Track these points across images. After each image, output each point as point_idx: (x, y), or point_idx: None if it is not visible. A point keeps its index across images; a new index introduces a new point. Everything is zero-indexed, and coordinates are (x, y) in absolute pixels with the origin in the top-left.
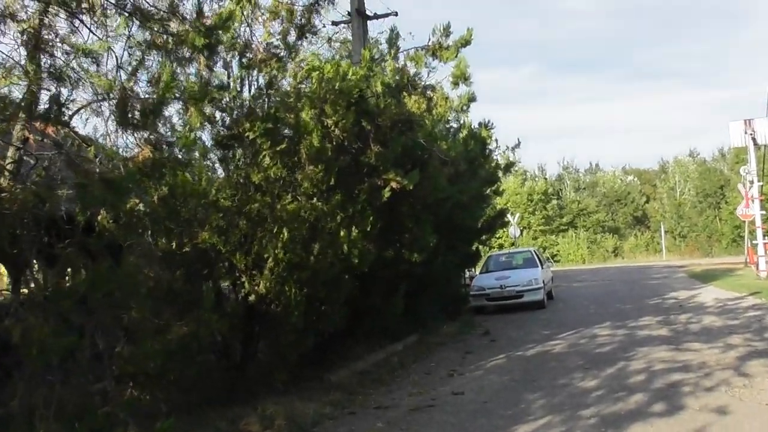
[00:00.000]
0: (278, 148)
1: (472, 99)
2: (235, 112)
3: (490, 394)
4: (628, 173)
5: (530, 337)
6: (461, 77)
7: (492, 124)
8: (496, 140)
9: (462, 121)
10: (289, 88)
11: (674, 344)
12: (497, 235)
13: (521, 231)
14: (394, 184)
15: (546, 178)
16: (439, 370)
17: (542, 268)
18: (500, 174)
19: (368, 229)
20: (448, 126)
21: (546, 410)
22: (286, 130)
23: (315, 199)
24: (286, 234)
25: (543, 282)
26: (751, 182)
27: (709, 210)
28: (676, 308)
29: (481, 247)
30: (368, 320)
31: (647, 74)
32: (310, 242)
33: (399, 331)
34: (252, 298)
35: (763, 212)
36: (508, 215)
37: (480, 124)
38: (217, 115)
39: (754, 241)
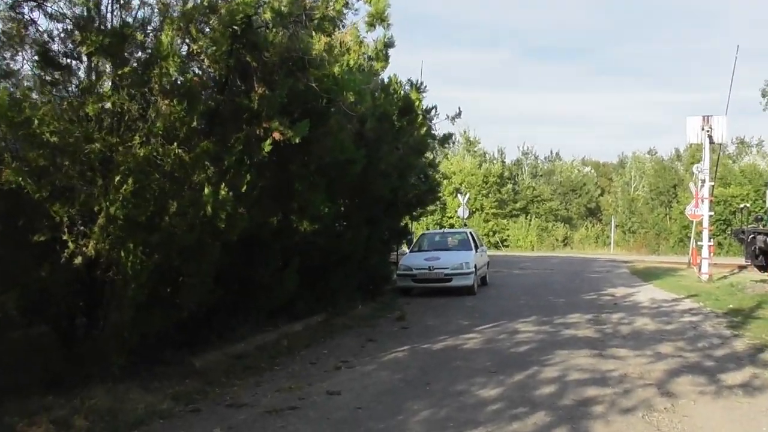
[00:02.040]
0: (120, 72)
1: (389, 45)
2: (68, 22)
3: (370, 397)
4: (586, 164)
5: (446, 327)
6: (378, 17)
7: (424, 86)
8: (435, 108)
9: (380, 74)
10: (155, 3)
11: (598, 348)
12: (448, 215)
13: (472, 212)
14: (276, 135)
15: (504, 162)
16: (329, 360)
17: (476, 251)
18: (435, 145)
19: (243, 188)
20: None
21: (424, 426)
22: (138, 53)
23: (175, 144)
24: (130, 184)
25: (475, 266)
26: (703, 181)
27: (660, 208)
28: (610, 306)
29: (414, 223)
30: (257, 296)
31: (617, 69)
32: (165, 198)
33: (303, 310)
34: (78, 260)
35: (711, 213)
36: (459, 195)
37: (410, 83)
38: (52, 26)
39: (699, 242)
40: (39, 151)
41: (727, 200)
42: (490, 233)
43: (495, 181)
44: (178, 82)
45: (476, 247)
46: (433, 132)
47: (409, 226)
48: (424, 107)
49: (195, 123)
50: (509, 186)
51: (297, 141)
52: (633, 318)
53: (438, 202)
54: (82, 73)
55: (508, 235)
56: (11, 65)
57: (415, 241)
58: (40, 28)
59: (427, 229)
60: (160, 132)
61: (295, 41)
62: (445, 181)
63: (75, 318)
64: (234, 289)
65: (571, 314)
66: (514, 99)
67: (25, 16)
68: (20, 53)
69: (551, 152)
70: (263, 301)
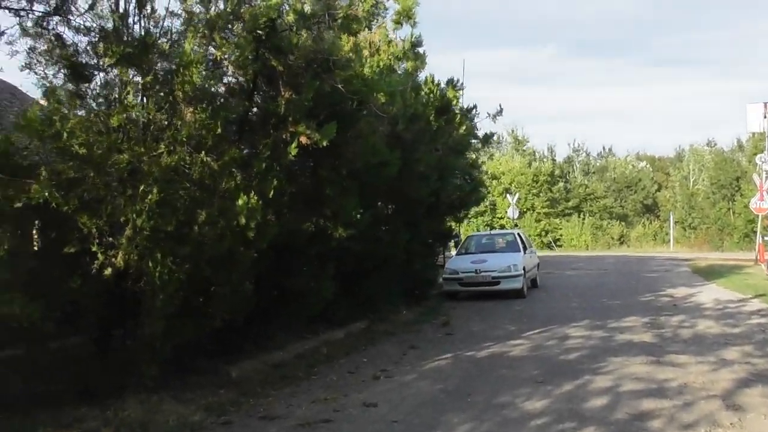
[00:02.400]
0: (143, 81)
1: (416, 44)
2: (93, 34)
3: (408, 409)
4: (641, 159)
5: (492, 333)
6: (405, 14)
7: (461, 84)
8: (475, 107)
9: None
10: (181, 12)
11: (656, 355)
12: (498, 215)
13: (523, 212)
14: (303, 139)
15: (554, 160)
16: (368, 369)
17: (525, 253)
18: (477, 145)
19: (270, 195)
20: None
21: None
22: (161, 62)
23: (203, 152)
24: (155, 194)
25: (524, 268)
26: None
27: (722, 202)
28: (669, 308)
29: (457, 225)
30: (293, 304)
31: (668, 60)
32: (194, 207)
33: (344, 317)
34: (107, 272)
35: None
36: (507, 195)
37: (448, 81)
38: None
39: (766, 237)
40: (68, 164)
41: None
42: (542, 233)
43: (546, 180)
44: (204, 89)
45: (525, 248)
46: (475, 131)
47: (454, 228)
48: (465, 106)
49: (220, 130)
50: (560, 184)
51: (325, 144)
52: (694, 321)
53: (486, 203)
54: (107, 85)
55: (560, 235)
56: (53, 82)
57: (461, 243)
58: (66, 42)
59: (477, 231)
60: (185, 140)
61: (319, 42)
62: (494, 182)
63: (109, 329)
64: (271, 297)
65: (626, 317)
66: (563, 96)
67: (51, 31)
68: (49, 67)
69: (604, 148)
70: (299, 308)
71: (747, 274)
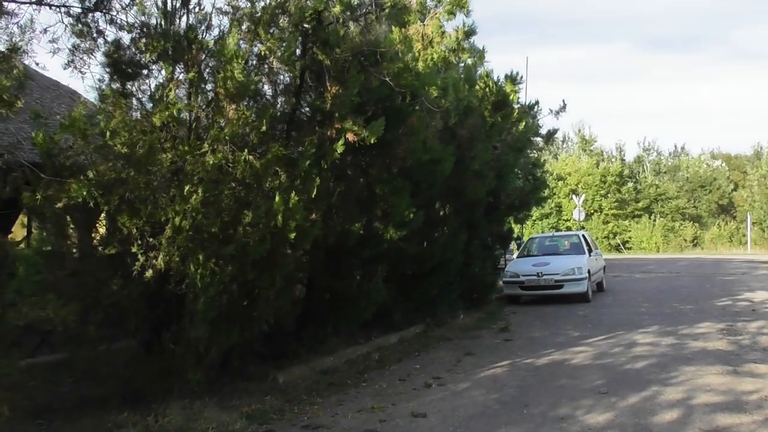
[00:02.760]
0: (187, 77)
1: (470, 33)
2: (136, 31)
3: (459, 421)
4: (716, 158)
5: (554, 339)
6: (457, 4)
7: (521, 78)
8: (537, 102)
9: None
10: (228, 9)
11: (732, 364)
12: (564, 217)
13: (590, 214)
14: (350, 136)
15: (623, 160)
16: (420, 377)
17: (590, 255)
18: (539, 142)
19: (313, 194)
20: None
21: None
22: (203, 57)
23: (247, 151)
24: (199, 194)
25: (589, 271)
26: None
27: None
28: (748, 313)
29: (519, 226)
30: (345, 307)
31: (745, 54)
32: (239, 207)
33: (400, 321)
34: (149, 274)
35: None
36: (573, 196)
37: (506, 76)
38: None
39: None
40: (110, 164)
41: None
42: (610, 235)
43: (614, 181)
44: (247, 85)
45: (590, 250)
46: (537, 128)
47: (516, 229)
48: (527, 102)
49: (265, 128)
50: (630, 185)
51: (373, 141)
52: None
53: (551, 204)
54: (151, 82)
55: (630, 237)
56: (97, 79)
57: (523, 245)
58: (107, 39)
59: (542, 233)
60: (227, 138)
61: (366, 35)
62: (559, 183)
63: (157, 332)
64: (323, 300)
65: (699, 323)
66: (633, 94)
67: (94, 27)
68: (91, 65)
69: (676, 147)
70: (350, 312)
71: None
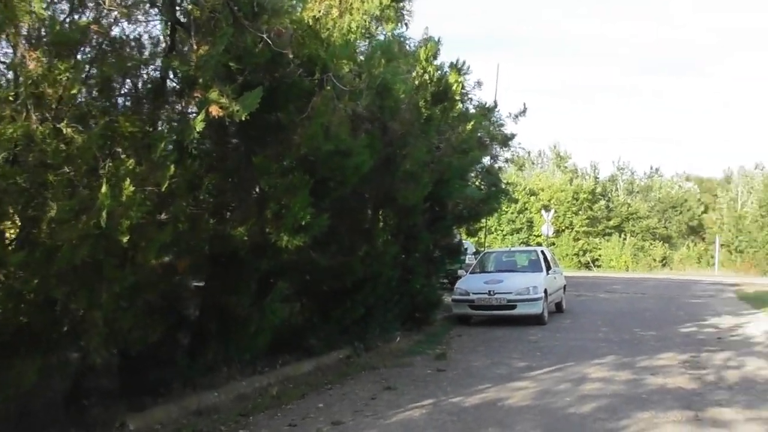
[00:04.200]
0: None
1: None
2: None
3: None
4: (689, 180)
5: (494, 371)
6: None
7: (468, 68)
8: (496, 104)
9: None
10: None
11: (695, 407)
12: (536, 233)
13: (560, 231)
14: (214, 110)
15: (597, 178)
16: (318, 420)
17: (548, 273)
18: (496, 148)
19: (164, 186)
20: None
21: None
22: None
23: (65, 122)
24: None
25: (545, 291)
26: None
27: None
28: (713, 342)
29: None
30: (234, 330)
31: (723, 84)
32: (41, 198)
33: (321, 345)
34: None
35: None
36: (542, 211)
37: (451, 64)
38: None
39: None
40: None
41: None
42: (580, 252)
43: (586, 198)
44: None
45: (548, 267)
46: (496, 133)
47: (471, 242)
48: (485, 104)
49: (75, 90)
50: (602, 203)
51: (244, 118)
52: (743, 359)
53: (523, 219)
54: None
55: (600, 255)
56: None
57: (477, 260)
58: None
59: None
60: (30, 100)
61: None
62: (532, 198)
63: None
64: (210, 324)
65: (661, 353)
66: (611, 116)
67: None
68: None
69: (651, 167)
70: (240, 336)
71: None
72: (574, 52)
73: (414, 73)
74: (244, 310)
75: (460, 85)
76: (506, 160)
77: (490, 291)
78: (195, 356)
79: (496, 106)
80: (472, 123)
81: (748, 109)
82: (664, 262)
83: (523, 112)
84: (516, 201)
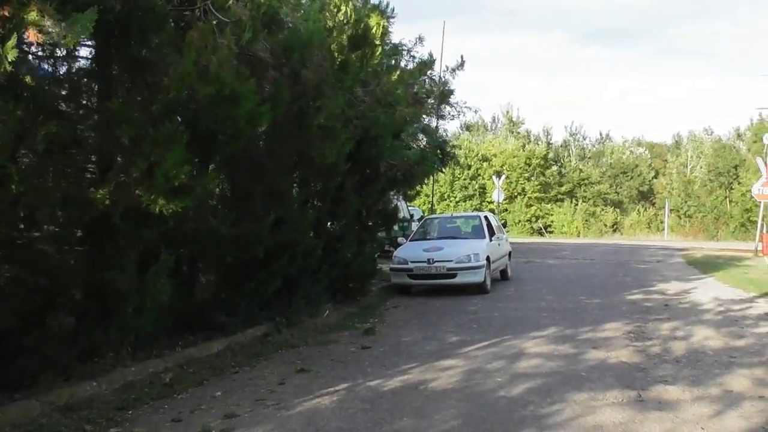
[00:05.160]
0: None
1: None
2: None
3: None
4: (641, 145)
5: (423, 347)
6: None
7: (392, 11)
8: (431, 57)
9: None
10: None
11: (637, 386)
12: (488, 200)
13: (513, 197)
14: (30, 34)
15: (549, 143)
16: (210, 412)
17: (491, 239)
18: (435, 104)
19: None
20: None
21: None
22: None
23: None
24: None
25: (488, 258)
26: None
27: (719, 190)
28: (660, 309)
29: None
30: (115, 310)
31: (674, 51)
32: None
33: (237, 322)
34: None
35: None
36: (493, 177)
37: (371, 6)
38: None
39: None
40: None
41: None
42: (533, 218)
43: (539, 164)
44: None
45: (492, 234)
46: (431, 88)
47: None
48: (422, 58)
49: None
50: (554, 168)
51: (72, 48)
52: (690, 329)
53: (475, 186)
54: None
55: (552, 221)
56: None
57: (418, 227)
58: None
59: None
60: None
61: None
62: (485, 164)
63: None
64: (90, 302)
65: (605, 323)
66: (566, 84)
67: None
68: None
69: (601, 134)
70: (121, 316)
71: (747, 267)
72: (524, 22)
73: (326, 13)
74: (125, 286)
75: (382, 28)
76: (452, 118)
77: (429, 259)
78: (75, 341)
79: (432, 60)
80: (398, 72)
81: (699, 75)
82: (615, 227)
83: (461, 65)
84: (469, 167)
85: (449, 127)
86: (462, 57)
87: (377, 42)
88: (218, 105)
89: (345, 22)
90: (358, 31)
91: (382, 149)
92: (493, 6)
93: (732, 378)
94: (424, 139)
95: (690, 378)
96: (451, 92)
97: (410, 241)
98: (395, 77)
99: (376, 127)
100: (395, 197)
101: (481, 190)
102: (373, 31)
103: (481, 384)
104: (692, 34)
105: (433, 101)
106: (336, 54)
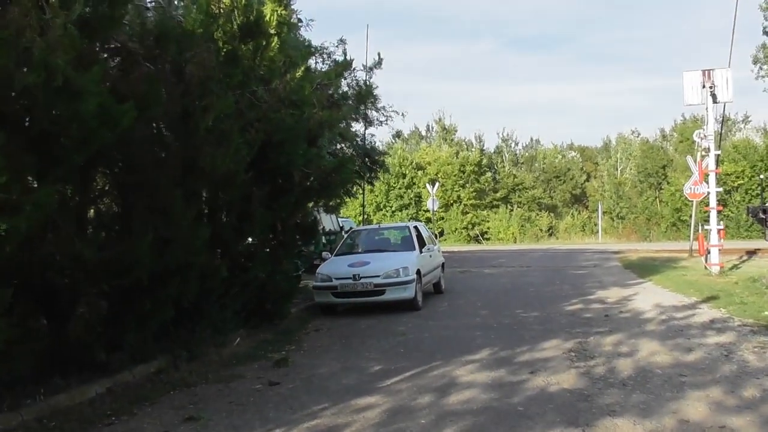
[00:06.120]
0: None
1: None
2: None
3: None
4: (572, 149)
5: (340, 381)
6: None
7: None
8: (345, 57)
9: None
10: None
11: (581, 423)
12: (424, 209)
13: (448, 204)
14: None
15: (482, 150)
16: None
17: (421, 251)
18: (349, 103)
19: None
20: None
21: None
22: None
23: None
24: None
25: (419, 272)
26: (707, 150)
27: (649, 191)
28: (600, 321)
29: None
30: None
31: (597, 56)
32: None
33: (121, 359)
34: None
35: (720, 190)
36: (427, 185)
37: None
38: None
39: (706, 226)
40: None
41: (721, 178)
42: (469, 226)
43: (473, 170)
44: None
45: (422, 245)
46: (348, 91)
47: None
48: (339, 59)
49: None
50: (488, 175)
51: None
52: (634, 342)
53: (410, 195)
54: None
55: (488, 228)
56: None
57: (342, 240)
58: None
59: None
60: None
61: None
62: (419, 172)
63: None
64: None
65: (543, 341)
66: (496, 91)
67: None
68: None
69: (531, 139)
70: None
71: (684, 268)
72: (453, 30)
73: None
74: None
75: (278, 16)
76: (380, 123)
77: (355, 275)
78: None
79: (349, 60)
80: (302, 69)
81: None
82: (550, 231)
83: (379, 63)
84: (404, 176)
85: (382, 136)
86: (379, 54)
87: (272, 31)
88: (55, 100)
89: (232, 8)
90: (249, 18)
91: (294, 157)
92: (423, 15)
93: (686, 403)
94: (343, 145)
95: (640, 406)
96: (370, 91)
97: (335, 255)
98: (299, 73)
99: (281, 131)
100: (315, 209)
101: (417, 198)
102: (267, 18)
103: (402, 429)
104: (612, 40)
105: (351, 102)
106: (221, 43)
